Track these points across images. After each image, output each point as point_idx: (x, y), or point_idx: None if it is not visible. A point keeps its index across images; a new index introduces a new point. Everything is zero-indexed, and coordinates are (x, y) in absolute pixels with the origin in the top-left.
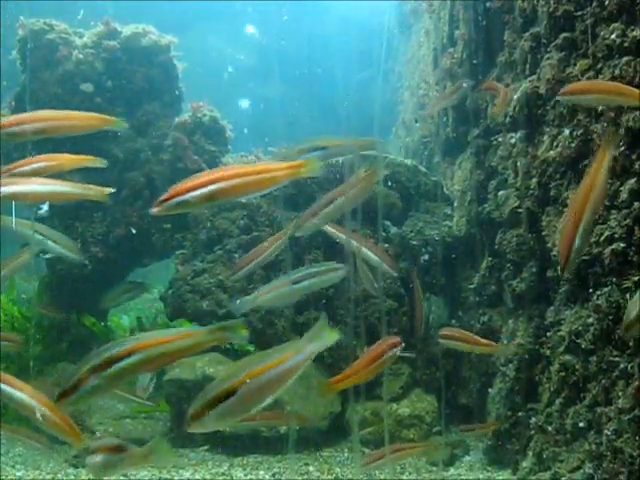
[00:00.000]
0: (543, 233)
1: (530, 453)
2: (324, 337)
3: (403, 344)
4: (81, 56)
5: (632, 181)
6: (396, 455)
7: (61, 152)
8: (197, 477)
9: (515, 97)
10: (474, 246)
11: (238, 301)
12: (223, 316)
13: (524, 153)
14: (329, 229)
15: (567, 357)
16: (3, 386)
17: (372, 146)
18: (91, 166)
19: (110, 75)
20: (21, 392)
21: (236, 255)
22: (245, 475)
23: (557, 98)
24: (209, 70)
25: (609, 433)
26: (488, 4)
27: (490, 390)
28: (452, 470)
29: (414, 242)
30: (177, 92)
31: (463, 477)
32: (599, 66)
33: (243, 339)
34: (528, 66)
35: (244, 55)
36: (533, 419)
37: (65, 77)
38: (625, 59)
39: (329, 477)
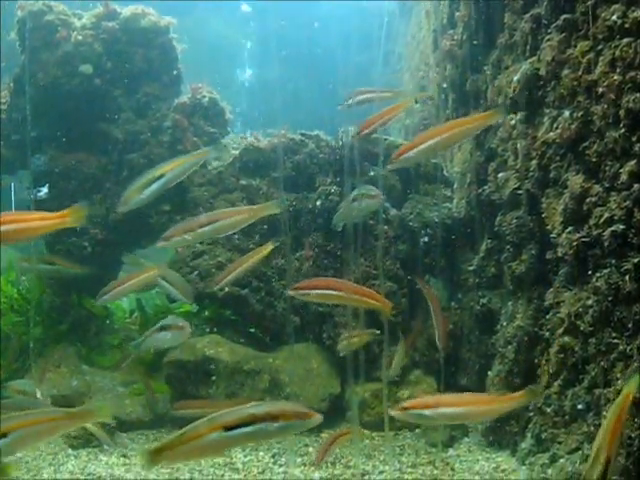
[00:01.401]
0: (543, 215)
1: (529, 435)
2: None
3: None
4: (80, 37)
5: (632, 163)
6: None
7: (64, 132)
8: None
9: (515, 79)
10: (474, 228)
11: (334, 218)
12: (223, 298)
13: (524, 135)
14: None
15: (566, 339)
16: None
17: (206, 156)
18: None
19: (109, 56)
20: None
21: (235, 236)
22: (245, 456)
23: (389, 167)
24: (209, 52)
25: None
26: None
27: (489, 372)
28: (451, 451)
29: (413, 224)
30: (176, 73)
31: (462, 458)
32: (599, 47)
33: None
34: (528, 47)
35: (244, 37)
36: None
37: (64, 58)
38: (626, 40)
39: (328, 458)
